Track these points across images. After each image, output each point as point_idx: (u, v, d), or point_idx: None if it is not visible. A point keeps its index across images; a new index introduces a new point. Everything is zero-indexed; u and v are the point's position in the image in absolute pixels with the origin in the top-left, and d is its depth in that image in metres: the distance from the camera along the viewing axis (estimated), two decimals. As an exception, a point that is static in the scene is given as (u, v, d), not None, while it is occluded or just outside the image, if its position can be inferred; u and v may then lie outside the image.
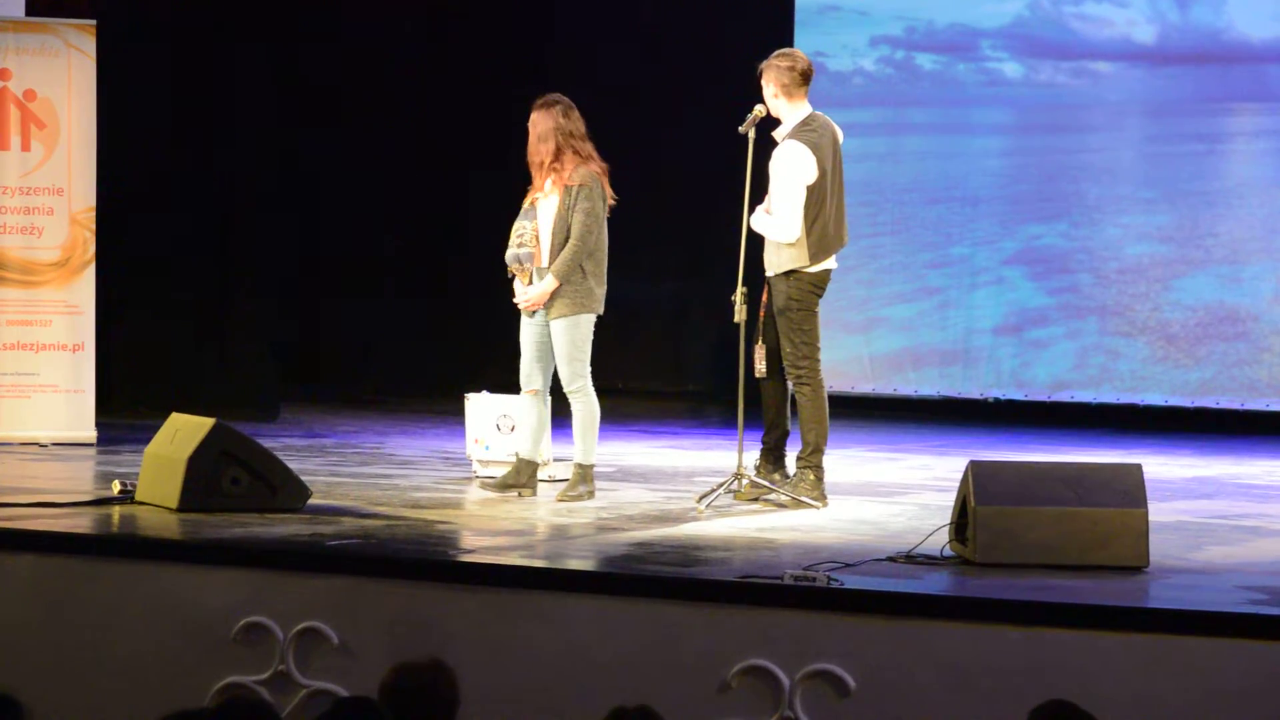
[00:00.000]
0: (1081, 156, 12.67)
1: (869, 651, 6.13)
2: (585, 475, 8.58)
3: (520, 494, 8.59)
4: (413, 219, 13.18)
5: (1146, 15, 12.43)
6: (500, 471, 8.85)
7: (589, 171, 8.51)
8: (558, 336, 8.51)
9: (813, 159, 8.42)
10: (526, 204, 8.63)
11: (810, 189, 8.43)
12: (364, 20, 13.15)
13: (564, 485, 8.62)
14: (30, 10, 10.83)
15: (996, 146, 12.89)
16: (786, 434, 8.74)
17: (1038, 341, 12.57)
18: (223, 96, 12.10)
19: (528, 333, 8.62)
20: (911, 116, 13.03)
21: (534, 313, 8.56)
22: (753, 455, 8.66)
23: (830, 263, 8.58)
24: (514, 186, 8.87)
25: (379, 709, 4.63)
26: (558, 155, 8.50)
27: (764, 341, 8.61)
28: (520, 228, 8.59)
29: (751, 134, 8.59)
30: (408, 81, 13.07)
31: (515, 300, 8.62)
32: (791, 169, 8.42)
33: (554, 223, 8.52)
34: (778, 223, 8.44)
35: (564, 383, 8.54)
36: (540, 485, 8.72)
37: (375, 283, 13.33)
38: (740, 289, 8.41)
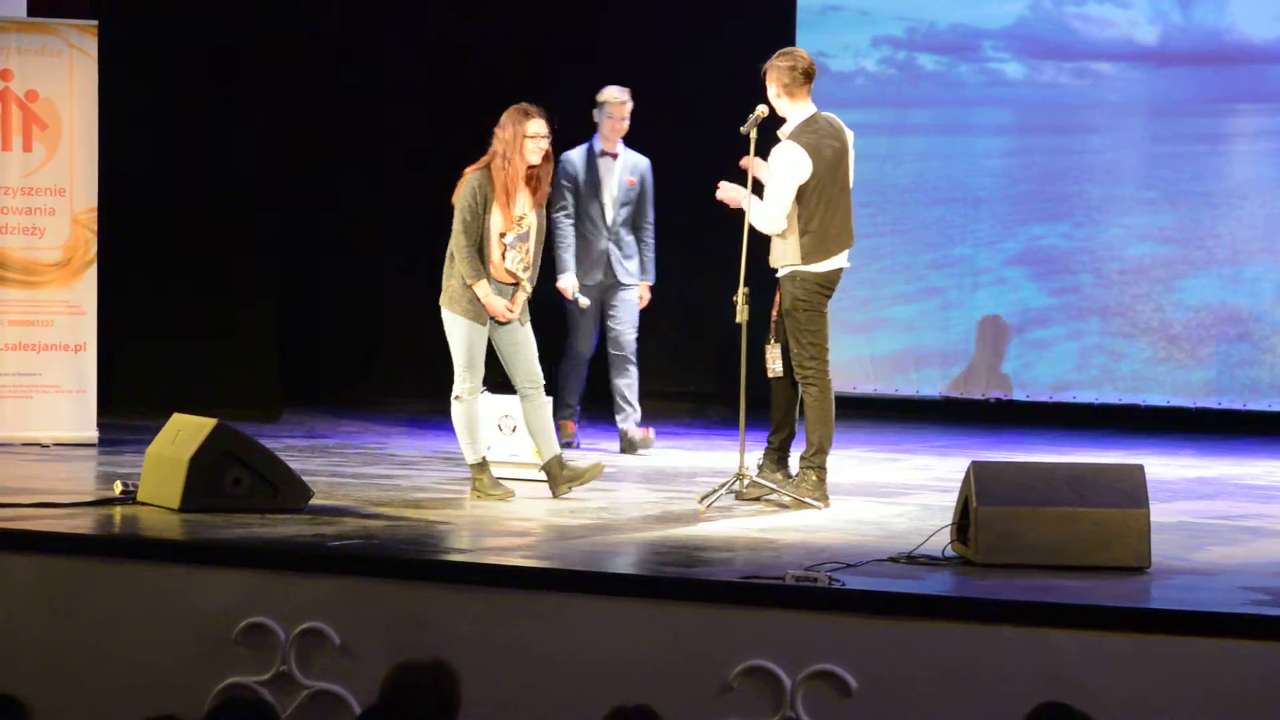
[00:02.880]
0: (1083, 157, 12.67)
1: (870, 652, 6.13)
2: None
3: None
4: (415, 219, 13.18)
5: (1148, 16, 12.42)
6: (500, 472, 8.81)
7: None
8: (529, 334, 8.64)
9: (808, 160, 8.41)
10: (519, 226, 8.56)
11: (804, 188, 8.42)
12: (363, 22, 13.15)
13: (557, 481, 8.65)
14: (32, 10, 10.84)
15: (998, 147, 12.89)
16: (792, 435, 8.73)
17: (1039, 342, 12.57)
18: (224, 97, 12.11)
19: (482, 335, 8.62)
20: (913, 117, 13.03)
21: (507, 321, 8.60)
22: (755, 455, 8.65)
23: (840, 261, 8.57)
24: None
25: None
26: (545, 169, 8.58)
27: (776, 341, 8.61)
28: (525, 249, 8.57)
29: (753, 135, 8.59)
30: (408, 83, 13.07)
31: (502, 314, 8.54)
32: (783, 169, 8.41)
33: (537, 237, 8.64)
34: (761, 213, 8.43)
35: (537, 379, 8.64)
36: (533, 485, 8.75)
37: (377, 282, 13.34)
38: (742, 289, 8.41)
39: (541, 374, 8.69)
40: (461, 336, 8.52)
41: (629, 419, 10.58)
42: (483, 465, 8.58)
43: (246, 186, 12.28)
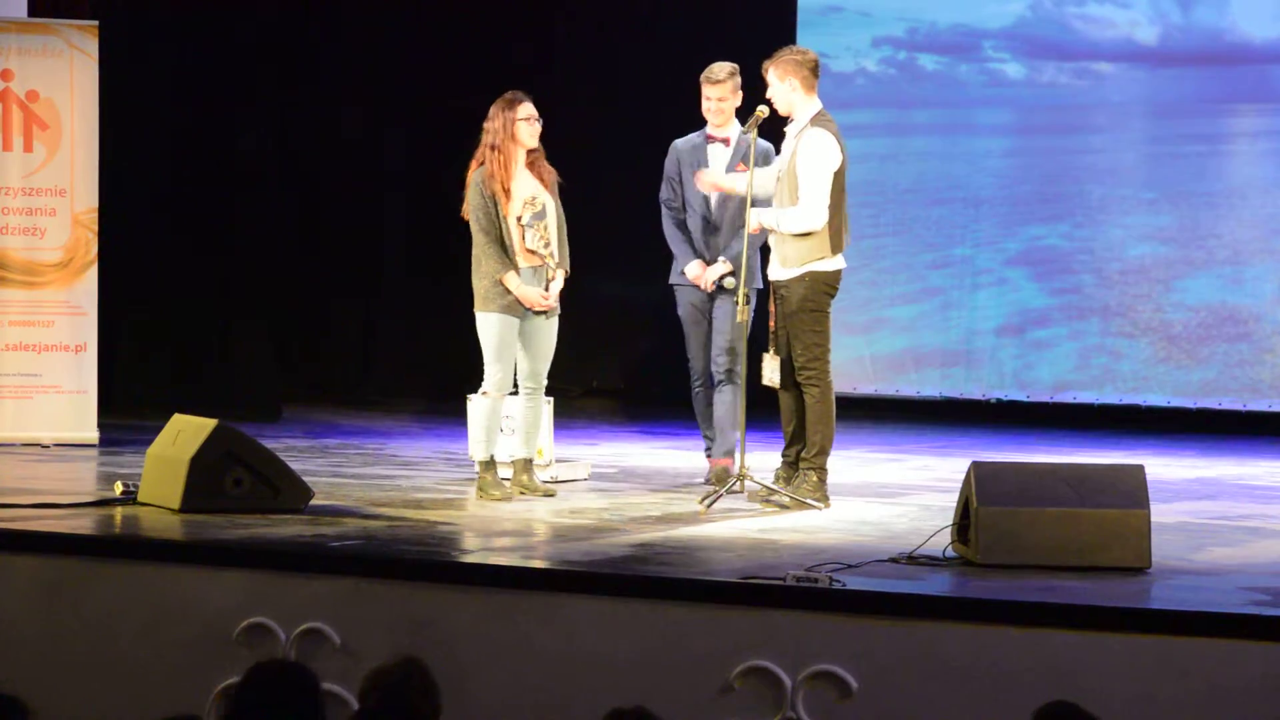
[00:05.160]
0: (1084, 157, 12.67)
1: (871, 652, 6.13)
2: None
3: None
4: (414, 218, 13.19)
5: (1149, 16, 12.43)
6: (499, 473, 8.80)
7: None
8: (553, 333, 8.64)
9: (838, 147, 8.42)
10: (532, 206, 8.60)
11: (835, 175, 8.42)
12: (365, 20, 13.15)
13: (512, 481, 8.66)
14: (33, 11, 10.85)
15: (999, 147, 12.89)
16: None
17: (1040, 342, 12.57)
18: (224, 97, 12.11)
19: (515, 330, 8.60)
20: (914, 117, 13.03)
21: (540, 313, 8.59)
22: (755, 456, 8.64)
23: (843, 261, 8.57)
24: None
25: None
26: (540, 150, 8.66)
27: (775, 352, 8.57)
28: (542, 227, 8.59)
29: (754, 135, 8.59)
30: (409, 81, 13.07)
31: (538, 302, 8.55)
32: (822, 156, 8.38)
33: (559, 220, 8.64)
34: (803, 211, 8.37)
35: (540, 379, 8.67)
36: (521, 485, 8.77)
37: (377, 282, 13.34)
38: (742, 289, 8.41)
39: (545, 375, 8.69)
40: (494, 334, 8.53)
41: (710, 447, 9.30)
42: (489, 464, 8.61)
43: (246, 186, 12.28)
